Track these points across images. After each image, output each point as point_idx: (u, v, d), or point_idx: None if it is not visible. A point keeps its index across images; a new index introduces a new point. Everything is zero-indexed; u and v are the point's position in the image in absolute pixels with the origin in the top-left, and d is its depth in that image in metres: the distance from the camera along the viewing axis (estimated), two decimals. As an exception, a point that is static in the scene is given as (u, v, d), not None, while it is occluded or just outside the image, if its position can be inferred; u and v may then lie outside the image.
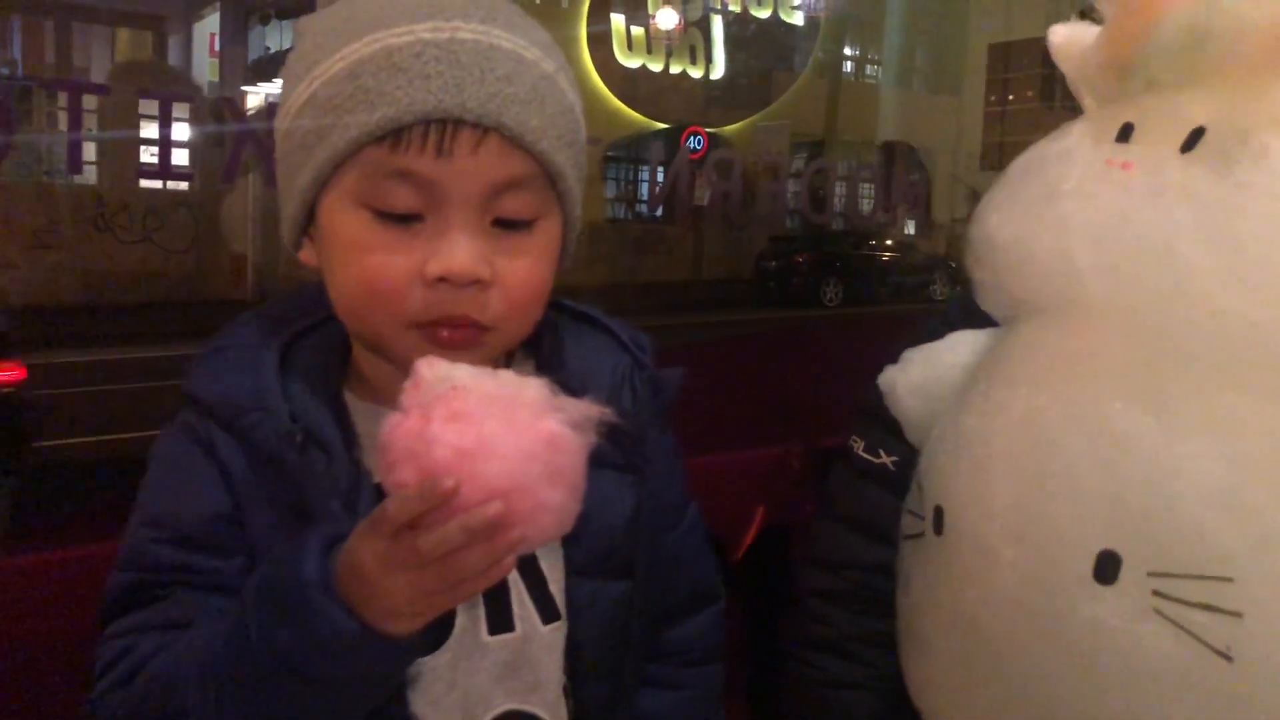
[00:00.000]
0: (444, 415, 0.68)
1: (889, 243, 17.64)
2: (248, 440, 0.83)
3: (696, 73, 20.57)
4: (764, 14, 21.54)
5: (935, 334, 1.07)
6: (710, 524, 1.11)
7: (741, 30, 21.48)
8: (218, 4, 16.75)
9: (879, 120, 22.90)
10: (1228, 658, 0.74)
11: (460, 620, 0.85)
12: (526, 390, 0.72)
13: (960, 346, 1.01)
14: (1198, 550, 0.75)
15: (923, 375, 1.04)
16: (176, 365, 0.90)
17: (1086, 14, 0.98)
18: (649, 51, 20.13)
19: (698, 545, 1.06)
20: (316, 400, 0.85)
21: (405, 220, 0.79)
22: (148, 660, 0.79)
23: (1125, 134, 0.89)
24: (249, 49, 17.13)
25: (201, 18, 17.41)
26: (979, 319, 1.01)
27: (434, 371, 0.71)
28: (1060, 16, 1.00)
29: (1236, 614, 0.74)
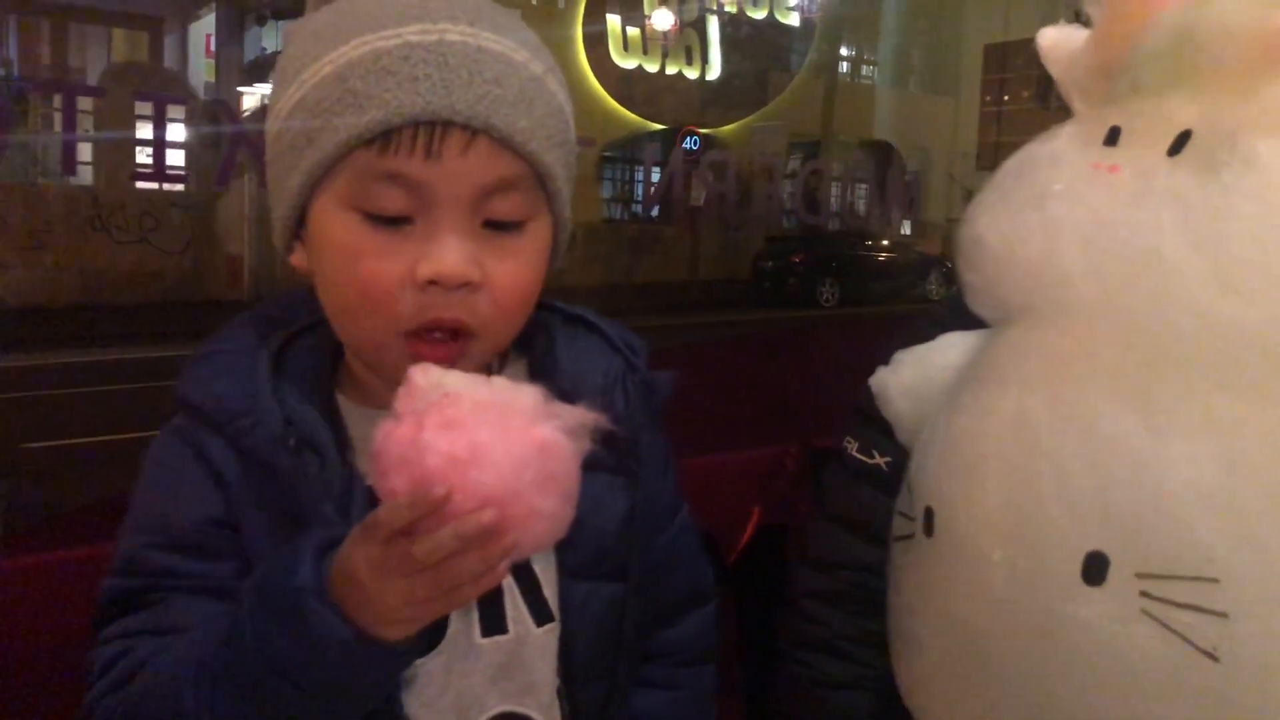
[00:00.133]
0: (436, 422, 0.68)
1: (885, 243, 17.66)
2: (240, 444, 0.83)
3: (692, 73, 20.58)
4: (760, 15, 21.54)
5: (927, 335, 1.08)
6: (706, 524, 1.11)
7: (737, 31, 21.48)
8: (214, 5, 16.74)
9: (875, 121, 22.90)
10: (1214, 658, 0.75)
11: (453, 623, 0.86)
12: (520, 397, 0.72)
13: (950, 348, 1.02)
14: (1185, 551, 0.76)
15: (913, 376, 1.04)
16: (174, 366, 0.90)
17: (1079, 16, 0.99)
18: (645, 52, 20.13)
19: (690, 547, 1.06)
20: (309, 404, 0.85)
21: (395, 223, 0.79)
22: (143, 665, 0.79)
23: (1113, 137, 0.90)
24: (245, 50, 17.12)
25: (198, 18, 17.40)
26: (970, 320, 1.02)
27: (427, 378, 0.71)
28: (1056, 18, 1.00)
29: (1223, 615, 0.74)
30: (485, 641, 0.87)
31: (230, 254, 12.27)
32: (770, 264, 16.72)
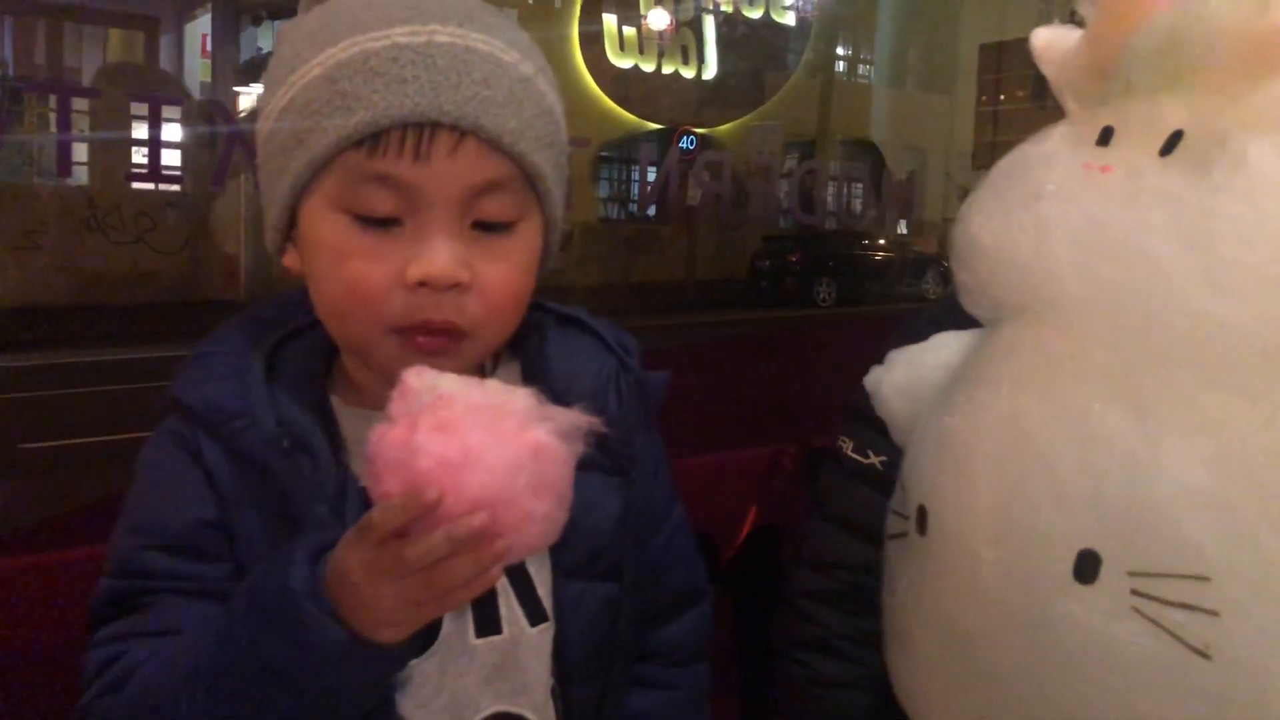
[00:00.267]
0: (429, 425, 0.68)
1: (881, 242, 17.68)
2: (234, 446, 0.83)
3: (689, 73, 20.59)
4: (756, 14, 21.55)
5: (922, 335, 1.08)
6: (703, 523, 1.12)
7: (733, 30, 21.49)
8: (210, 5, 16.72)
9: (871, 120, 22.92)
10: (1205, 656, 0.75)
11: (448, 623, 0.86)
12: (513, 400, 0.72)
13: (944, 347, 1.02)
14: (1176, 549, 0.76)
15: (907, 376, 1.04)
16: (170, 366, 0.90)
17: (1074, 16, 0.99)
18: (641, 52, 20.14)
19: (684, 546, 1.06)
20: (302, 405, 0.85)
21: (384, 224, 0.79)
22: (137, 667, 0.79)
23: (1105, 137, 0.90)
24: (241, 50, 17.10)
25: (194, 18, 17.38)
26: (965, 320, 1.02)
27: (421, 381, 0.71)
28: (1051, 18, 1.01)
29: (1214, 613, 0.75)
30: (479, 642, 0.87)
31: (226, 254, 12.26)
32: (767, 263, 16.73)
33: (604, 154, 19.29)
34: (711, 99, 20.65)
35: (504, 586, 0.89)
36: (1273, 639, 0.74)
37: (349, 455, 0.85)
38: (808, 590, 1.18)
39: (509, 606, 0.89)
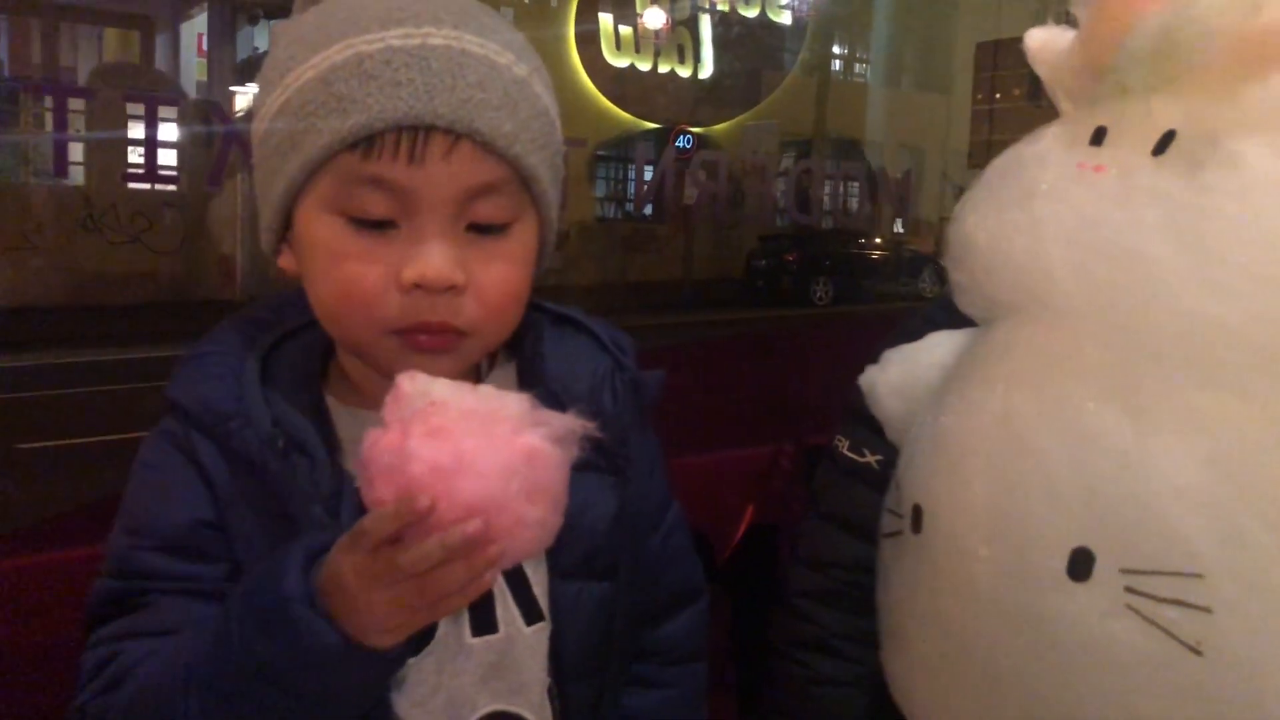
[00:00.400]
0: (422, 431, 0.68)
1: (878, 241, 17.69)
2: (229, 446, 0.83)
3: (685, 72, 20.60)
4: (752, 13, 21.55)
5: (917, 334, 1.08)
6: (701, 522, 1.12)
7: (729, 30, 21.49)
8: (205, 4, 16.70)
9: (867, 119, 22.94)
10: (1198, 652, 0.75)
11: (444, 623, 0.86)
12: (507, 405, 0.72)
13: (938, 347, 1.03)
14: (1168, 547, 0.77)
15: (902, 375, 1.05)
16: (167, 367, 0.90)
17: (1068, 17, 1.00)
18: (637, 51, 20.14)
19: (680, 545, 1.06)
20: (298, 405, 0.86)
21: (379, 226, 0.79)
22: (134, 667, 0.79)
23: (1099, 137, 0.90)
24: (237, 49, 17.08)
25: (190, 18, 17.36)
26: (961, 319, 1.02)
27: (414, 385, 0.71)
28: (1047, 16, 1.01)
29: (1206, 609, 0.75)
30: (476, 641, 0.87)
31: (223, 254, 12.26)
32: (764, 262, 16.74)
33: (600, 153, 19.30)
34: (707, 98, 20.67)
35: (500, 586, 0.89)
36: (1264, 635, 0.75)
37: (345, 455, 0.86)
38: (804, 589, 1.18)
39: (505, 606, 0.89)
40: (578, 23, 19.31)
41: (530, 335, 0.95)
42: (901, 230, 18.11)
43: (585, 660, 0.93)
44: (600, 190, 20.10)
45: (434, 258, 0.79)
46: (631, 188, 20.04)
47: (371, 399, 0.88)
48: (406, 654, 0.78)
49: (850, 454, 1.16)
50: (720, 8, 21.20)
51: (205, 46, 17.09)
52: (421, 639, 0.84)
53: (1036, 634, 0.82)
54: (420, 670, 0.85)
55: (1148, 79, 0.88)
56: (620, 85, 19.77)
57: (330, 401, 0.89)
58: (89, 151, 11.92)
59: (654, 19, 20.13)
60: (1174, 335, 0.80)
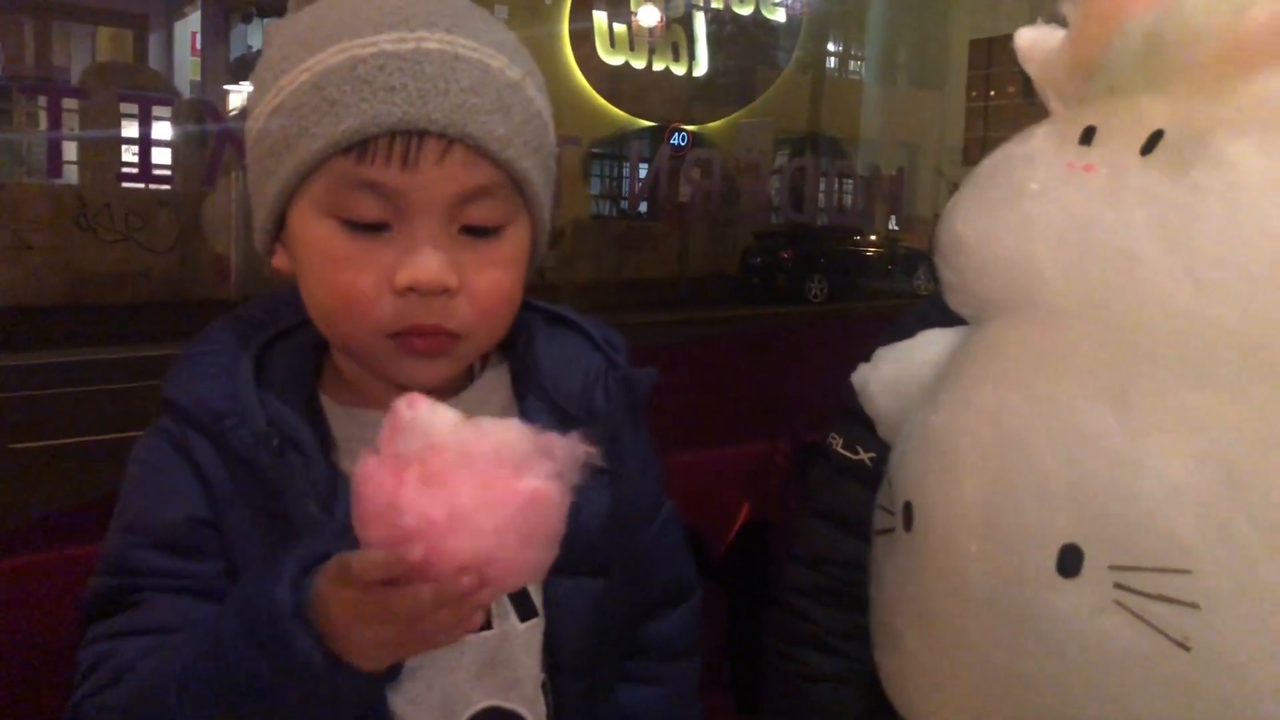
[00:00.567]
0: (417, 477, 0.66)
1: (873, 238, 17.71)
2: (224, 444, 0.83)
3: (679, 70, 20.60)
4: (746, 11, 21.55)
5: (910, 332, 1.09)
6: (696, 520, 1.12)
7: (724, 27, 21.49)
8: (199, 2, 16.67)
9: (862, 116, 22.95)
10: (1186, 648, 0.76)
11: None
12: (508, 442, 0.68)
13: (930, 344, 1.03)
14: (1157, 543, 0.77)
15: (894, 373, 1.05)
16: (161, 366, 0.91)
17: (1059, 16, 1.00)
18: (632, 49, 20.14)
19: (674, 542, 1.07)
20: (292, 404, 0.86)
21: (373, 229, 0.79)
22: (130, 666, 0.79)
23: (1088, 136, 0.91)
24: (231, 47, 17.06)
25: (183, 16, 17.34)
26: (952, 317, 1.03)
27: (413, 415, 0.68)
28: (1043, 11, 1.01)
29: (1194, 605, 0.76)
30: (470, 637, 0.88)
31: (217, 253, 12.23)
32: (759, 260, 16.74)
33: (595, 151, 19.29)
34: (702, 96, 20.67)
35: None
36: (1250, 631, 0.75)
37: (339, 453, 0.86)
38: (798, 586, 1.19)
39: (499, 602, 0.89)
40: (572, 20, 19.31)
41: (523, 335, 0.95)
42: (896, 227, 18.14)
43: (579, 656, 0.93)
44: (595, 188, 20.10)
45: (427, 261, 0.79)
46: (626, 185, 20.04)
47: (365, 398, 0.89)
48: (394, 673, 0.77)
49: (844, 451, 1.16)
50: (715, 5, 21.21)
51: (199, 45, 17.06)
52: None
53: (1027, 630, 0.82)
54: (415, 667, 0.85)
55: (1136, 78, 0.88)
56: (615, 83, 19.78)
57: (324, 400, 0.90)
58: (83, 151, 11.89)
59: (648, 16, 20.14)
60: (1163, 334, 0.81)
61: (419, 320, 0.81)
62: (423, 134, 0.78)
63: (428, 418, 0.68)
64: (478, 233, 0.82)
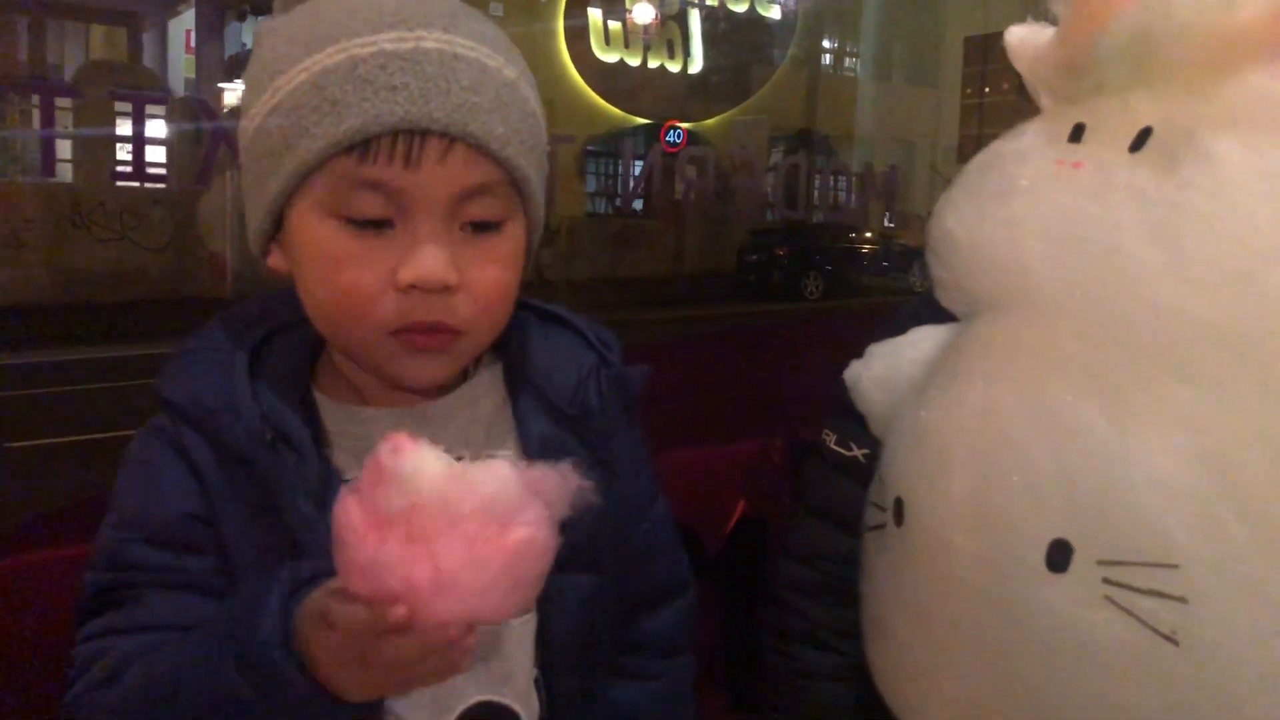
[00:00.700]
0: (401, 536, 0.64)
1: (868, 235, 17.70)
2: (218, 441, 0.84)
3: (674, 67, 20.59)
4: (741, 8, 21.53)
5: (902, 329, 1.09)
6: (691, 517, 1.12)
7: (719, 24, 21.48)
8: (193, 0, 16.63)
9: (857, 113, 22.94)
10: (1174, 642, 0.76)
11: None
12: (496, 494, 0.66)
13: (921, 342, 1.04)
14: (1145, 538, 0.78)
15: (885, 370, 1.06)
16: (157, 364, 0.91)
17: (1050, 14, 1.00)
18: (626, 46, 20.12)
19: (667, 538, 1.07)
20: (286, 400, 0.86)
21: (375, 226, 0.80)
22: (124, 666, 0.80)
23: (1077, 134, 0.91)
24: (225, 45, 17.02)
25: (177, 14, 17.31)
26: (946, 314, 1.03)
27: (397, 466, 0.65)
28: (1036, 8, 1.02)
29: (1181, 599, 0.76)
30: None
31: (213, 251, 12.20)
32: (754, 257, 16.73)
33: (591, 149, 19.28)
34: (697, 93, 20.66)
35: None
36: (1238, 625, 0.76)
37: (333, 450, 0.87)
38: (792, 582, 1.19)
39: None
40: (567, 18, 19.29)
41: (516, 333, 0.96)
42: (892, 224, 18.15)
43: (571, 652, 0.94)
44: (591, 186, 20.09)
45: (429, 258, 0.79)
46: (622, 183, 20.03)
47: (360, 395, 0.89)
48: (380, 702, 0.78)
49: (837, 448, 1.17)
50: (709, 2, 21.20)
51: (193, 43, 17.03)
52: None
53: (1016, 625, 0.83)
54: None
55: (1125, 76, 0.89)
56: (610, 80, 19.76)
57: (318, 396, 0.90)
58: (76, 149, 11.86)
59: (643, 14, 20.12)
60: (1152, 330, 0.81)
61: (421, 317, 0.81)
62: (425, 133, 0.78)
63: (412, 469, 0.65)
64: (478, 228, 0.83)
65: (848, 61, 24.73)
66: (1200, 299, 0.79)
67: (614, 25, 19.86)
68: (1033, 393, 0.85)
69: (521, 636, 0.91)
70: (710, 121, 20.47)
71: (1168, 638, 0.77)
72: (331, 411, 0.89)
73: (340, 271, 0.81)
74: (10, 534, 1.50)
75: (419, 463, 0.65)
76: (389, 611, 0.63)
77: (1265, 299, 0.78)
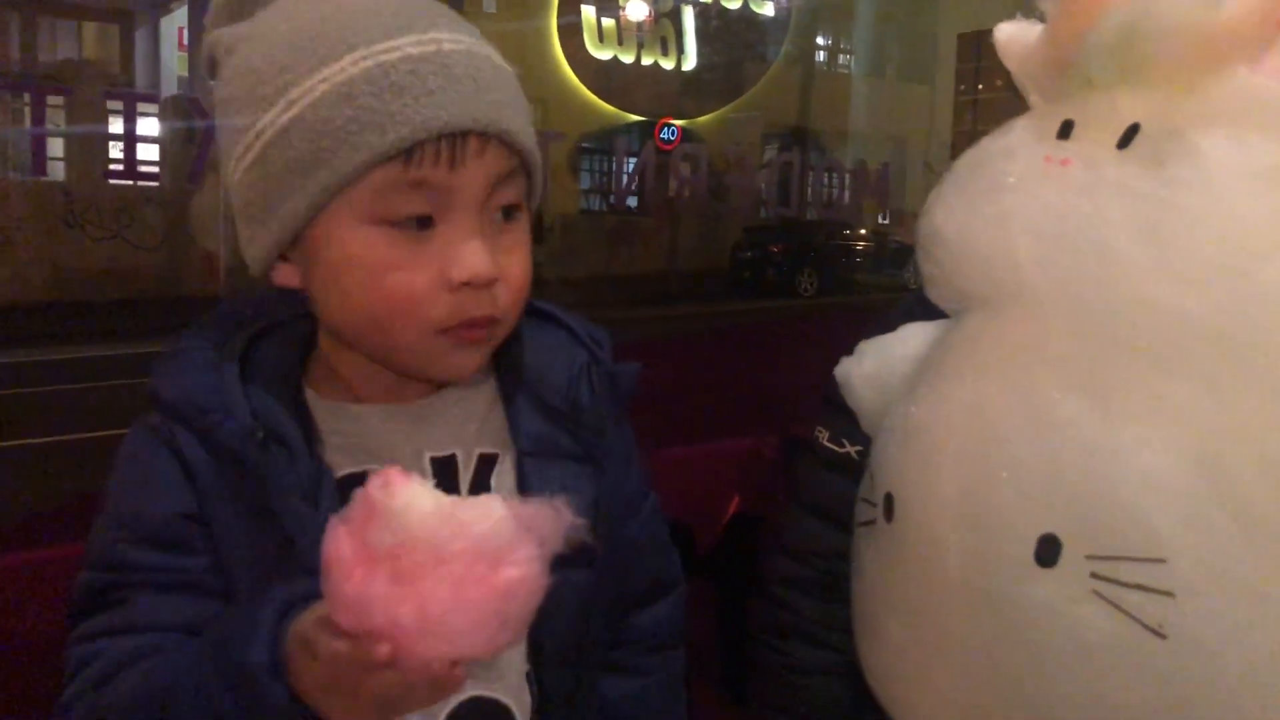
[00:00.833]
0: (389, 573, 0.62)
1: (863, 232, 17.72)
2: (210, 439, 0.83)
3: (668, 64, 20.57)
4: (735, 5, 21.52)
5: (894, 326, 1.10)
6: (685, 513, 1.12)
7: (712, 21, 21.46)
8: (185, -2, 16.57)
9: (851, 110, 22.94)
10: (1161, 635, 0.77)
11: None
12: (487, 533, 0.64)
13: (911, 338, 1.04)
14: (1133, 533, 0.78)
15: (875, 366, 1.06)
16: (149, 363, 0.91)
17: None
18: (620, 43, 20.09)
19: (658, 534, 1.08)
20: (277, 399, 0.86)
21: (419, 225, 0.80)
22: (118, 668, 0.79)
23: (1066, 131, 0.92)
24: (218, 43, 16.93)
25: (169, 11, 17.23)
26: (937, 311, 1.04)
27: (389, 503, 0.63)
28: (1028, 5, 1.02)
29: (1169, 594, 0.77)
30: None
31: (205, 250, 12.18)
32: (749, 254, 16.73)
33: (584, 145, 19.27)
34: (691, 90, 20.64)
35: None
36: (1225, 618, 0.76)
37: (325, 447, 0.87)
38: (784, 578, 1.20)
39: None
40: (560, 15, 19.26)
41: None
42: (886, 221, 18.17)
43: (563, 647, 0.94)
44: (584, 183, 20.07)
45: (477, 255, 0.80)
46: (615, 180, 20.03)
47: (351, 392, 0.90)
48: None
49: (830, 445, 1.17)
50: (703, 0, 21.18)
51: (185, 41, 16.97)
52: None
53: (1005, 619, 0.83)
54: None
55: (1112, 73, 0.89)
56: (603, 78, 19.74)
57: (310, 395, 0.90)
58: (69, 148, 11.84)
59: (637, 11, 20.10)
60: (1139, 326, 0.82)
61: (472, 313, 0.82)
62: (465, 133, 0.79)
63: (403, 506, 0.63)
64: (507, 214, 0.85)
65: (841, 58, 24.73)
66: (1188, 295, 0.80)
67: (608, 22, 19.84)
68: (1022, 389, 0.86)
69: (514, 633, 0.91)
70: (704, 118, 20.46)
71: (1155, 631, 0.77)
72: (323, 409, 0.89)
73: (388, 275, 0.80)
74: (5, 533, 1.50)
75: (410, 499, 0.64)
76: (373, 649, 0.63)
77: (1252, 295, 0.79)
